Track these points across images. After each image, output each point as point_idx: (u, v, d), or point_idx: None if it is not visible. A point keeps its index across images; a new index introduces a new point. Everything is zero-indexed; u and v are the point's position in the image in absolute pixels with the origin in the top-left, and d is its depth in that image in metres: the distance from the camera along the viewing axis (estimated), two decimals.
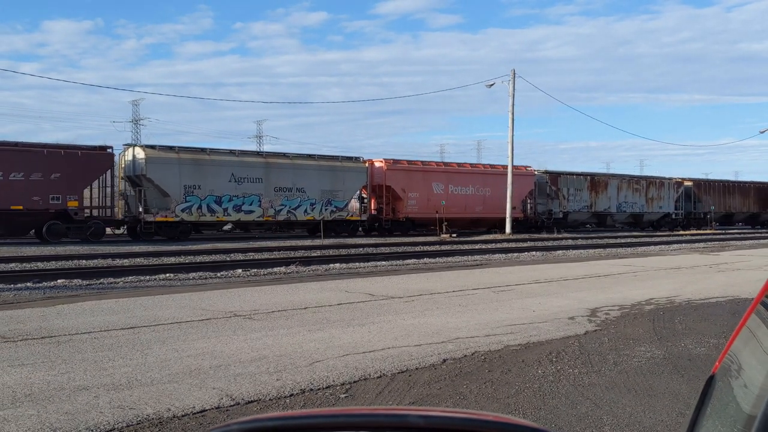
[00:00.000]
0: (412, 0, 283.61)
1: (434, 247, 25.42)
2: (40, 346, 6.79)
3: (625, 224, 48.69)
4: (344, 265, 17.63)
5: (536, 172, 43.07)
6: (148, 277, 14.50)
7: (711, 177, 61.72)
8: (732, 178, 72.60)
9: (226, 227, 35.92)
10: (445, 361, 6.34)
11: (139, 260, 18.83)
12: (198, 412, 4.72)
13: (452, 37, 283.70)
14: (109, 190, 29.13)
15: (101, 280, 13.86)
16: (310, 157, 35.37)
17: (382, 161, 36.93)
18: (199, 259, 19.36)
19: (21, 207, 26.14)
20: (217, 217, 31.31)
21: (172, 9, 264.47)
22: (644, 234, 41.25)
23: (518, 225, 38.47)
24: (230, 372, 5.78)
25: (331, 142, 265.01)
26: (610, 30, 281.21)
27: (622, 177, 48.68)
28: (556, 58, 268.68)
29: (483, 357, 6.52)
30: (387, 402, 5.07)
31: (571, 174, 45.09)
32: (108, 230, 29.67)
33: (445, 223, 34.69)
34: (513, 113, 38.53)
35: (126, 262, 18.35)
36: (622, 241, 31.88)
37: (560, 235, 36.12)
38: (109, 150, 29.43)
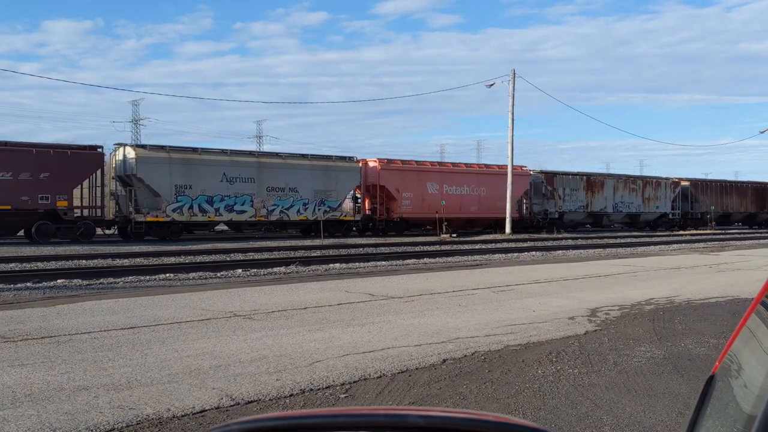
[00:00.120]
0: (412, 0, 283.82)
1: (434, 247, 25.42)
2: (40, 346, 6.79)
3: (621, 224, 48.65)
4: (344, 265, 17.63)
5: (532, 172, 42.92)
6: (148, 277, 14.49)
7: (711, 177, 61.74)
8: (732, 178, 72.62)
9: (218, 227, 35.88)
10: (445, 361, 6.34)
11: (139, 260, 18.82)
12: (198, 413, 4.72)
13: (452, 37, 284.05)
14: (99, 190, 28.95)
15: (101, 280, 13.85)
16: (303, 156, 35.21)
17: (376, 161, 36.75)
18: (199, 259, 19.36)
19: (9, 207, 26.03)
20: (209, 217, 31.19)
21: (172, 9, 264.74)
22: (644, 234, 41.21)
23: (514, 225, 38.38)
24: (230, 372, 5.78)
25: (331, 142, 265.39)
26: (610, 30, 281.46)
27: (618, 177, 48.60)
28: (556, 58, 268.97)
29: (483, 357, 6.52)
30: (387, 402, 5.07)
31: (567, 174, 45.00)
32: (98, 230, 29.47)
33: (445, 223, 34.67)
34: (513, 113, 38.53)
35: (126, 262, 18.34)
36: (622, 241, 31.88)
37: (560, 236, 36.11)
38: (100, 150, 29.19)
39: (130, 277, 14.33)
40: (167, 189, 29.66)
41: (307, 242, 27.85)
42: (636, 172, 72.41)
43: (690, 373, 5.95)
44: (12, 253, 20.64)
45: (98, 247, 24.61)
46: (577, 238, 33.46)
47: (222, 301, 10.21)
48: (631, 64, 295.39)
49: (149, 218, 29.23)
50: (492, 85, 38.71)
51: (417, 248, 24.81)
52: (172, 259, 19.18)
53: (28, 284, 12.86)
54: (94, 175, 28.77)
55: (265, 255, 21.01)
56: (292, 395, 5.20)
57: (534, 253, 22.90)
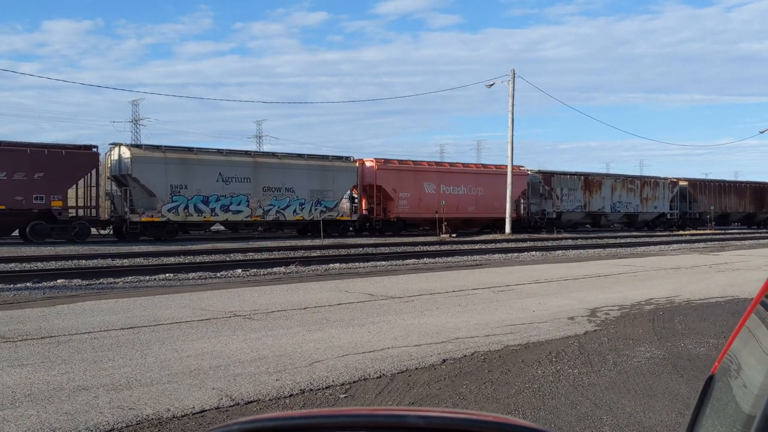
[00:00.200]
0: (412, 0, 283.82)
1: (434, 248, 25.41)
2: (39, 346, 6.79)
3: (619, 224, 48.61)
4: (344, 265, 17.63)
5: (529, 172, 42.82)
6: (147, 277, 14.49)
7: (711, 177, 61.72)
8: (732, 178, 72.62)
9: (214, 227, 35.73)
10: (444, 361, 6.34)
11: (138, 260, 18.82)
12: (198, 413, 4.72)
13: (452, 37, 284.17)
14: (94, 190, 28.85)
15: (101, 280, 13.85)
16: (299, 156, 35.11)
17: (372, 161, 36.62)
18: (198, 259, 19.36)
19: (4, 207, 25.95)
20: (204, 217, 31.08)
21: (172, 9, 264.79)
22: (644, 234, 41.19)
23: (512, 225, 38.25)
24: (230, 372, 5.78)
25: (330, 142, 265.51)
26: (610, 30, 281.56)
27: (616, 177, 48.54)
28: (556, 58, 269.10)
29: (483, 357, 6.52)
30: (387, 402, 5.07)
31: (565, 174, 44.94)
32: (93, 230, 29.32)
33: (445, 223, 34.64)
34: (513, 113, 38.52)
35: (126, 262, 18.34)
36: (622, 241, 31.88)
37: (560, 236, 36.09)
38: (95, 149, 29.06)
39: (129, 277, 14.32)
40: (163, 189, 29.54)
41: (307, 242, 27.84)
42: (636, 172, 72.62)
43: (690, 373, 5.95)
44: (12, 253, 20.64)
45: (98, 247, 24.60)
46: (576, 238, 33.45)
47: (222, 301, 10.21)
48: (631, 64, 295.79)
49: (144, 218, 29.10)
50: (492, 85, 38.71)
51: (417, 248, 24.81)
52: (172, 259, 19.18)
53: (28, 284, 12.86)
54: (89, 175, 28.63)
55: (265, 255, 21.00)
56: (291, 395, 5.20)
57: (534, 253, 22.90)
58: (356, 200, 36.81)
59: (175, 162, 30.10)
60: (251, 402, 5.00)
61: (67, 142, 29.47)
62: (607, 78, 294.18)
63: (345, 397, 5.21)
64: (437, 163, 41.33)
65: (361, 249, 23.95)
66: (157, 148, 30.60)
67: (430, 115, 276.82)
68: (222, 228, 36.95)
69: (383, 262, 19.00)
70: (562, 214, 43.54)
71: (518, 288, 12.15)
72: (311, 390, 5.34)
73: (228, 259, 19.34)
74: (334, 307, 9.64)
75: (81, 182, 28.63)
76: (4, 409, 4.67)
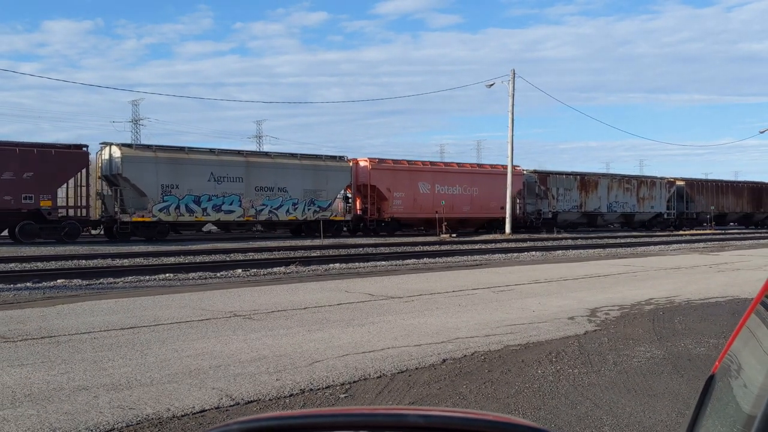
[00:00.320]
0: (411, 0, 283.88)
1: (434, 247, 25.41)
2: (39, 346, 6.79)
3: (616, 224, 48.56)
4: (344, 265, 17.63)
5: (525, 172, 42.68)
6: (147, 277, 14.49)
7: (711, 177, 61.68)
8: (732, 178, 72.62)
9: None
10: (444, 361, 6.34)
11: (139, 260, 18.82)
12: (198, 412, 4.72)
13: (452, 37, 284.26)
14: (84, 189, 28.66)
15: (101, 280, 13.85)
16: (292, 156, 34.95)
17: (366, 160, 36.46)
18: (198, 259, 19.36)
19: None
20: (196, 217, 30.93)
21: (172, 9, 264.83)
22: (643, 234, 41.18)
23: (505, 225, 38.16)
24: (230, 372, 5.78)
25: (331, 142, 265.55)
26: (610, 30, 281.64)
27: (612, 176, 48.47)
28: (556, 58, 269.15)
29: (483, 357, 6.52)
30: (387, 402, 5.07)
31: (561, 174, 44.87)
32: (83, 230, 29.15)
33: (445, 223, 34.62)
34: (513, 113, 38.52)
35: (126, 262, 18.34)
36: (622, 241, 31.88)
37: (559, 236, 36.08)
38: (85, 149, 28.87)
39: (129, 277, 14.33)
40: (153, 189, 29.38)
41: (307, 242, 27.84)
42: (636, 172, 72.37)
43: (690, 373, 5.95)
44: (12, 253, 20.64)
45: (98, 247, 24.60)
46: (576, 238, 33.45)
47: (222, 301, 10.21)
48: (631, 64, 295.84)
49: (135, 218, 28.93)
50: (492, 85, 38.72)
51: (417, 248, 24.81)
52: (172, 259, 19.18)
53: (28, 284, 12.86)
54: (79, 174, 28.44)
55: (265, 255, 21.00)
56: (291, 395, 5.20)
57: (534, 253, 22.90)
58: (350, 200, 36.66)
59: (166, 161, 29.92)
60: (251, 402, 5.00)
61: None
62: (607, 78, 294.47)
63: (345, 396, 5.21)
64: (432, 163, 41.14)
65: (361, 249, 23.95)
66: (148, 147, 30.49)
67: (430, 115, 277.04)
68: (214, 228, 36.69)
69: (383, 262, 19.00)
70: (558, 214, 43.47)
71: (518, 288, 12.15)
72: (311, 390, 5.34)
73: (228, 259, 19.34)
74: (334, 307, 9.64)
75: (71, 182, 28.45)
76: (4, 409, 4.67)
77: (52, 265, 17.34)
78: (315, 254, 21.28)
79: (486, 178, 40.29)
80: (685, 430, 1.47)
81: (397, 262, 19.25)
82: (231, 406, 4.89)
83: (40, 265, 17.27)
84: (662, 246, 27.88)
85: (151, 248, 23.49)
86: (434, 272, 15.59)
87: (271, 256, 20.26)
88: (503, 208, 38.75)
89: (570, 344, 7.16)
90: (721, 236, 37.76)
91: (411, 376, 5.80)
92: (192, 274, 15.09)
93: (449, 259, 20.31)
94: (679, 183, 51.71)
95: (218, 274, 15.24)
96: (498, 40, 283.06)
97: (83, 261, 18.47)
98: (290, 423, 1.02)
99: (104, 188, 30.21)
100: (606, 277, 14.33)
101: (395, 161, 38.36)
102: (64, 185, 28.53)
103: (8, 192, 26.10)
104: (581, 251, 24.35)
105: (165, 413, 4.66)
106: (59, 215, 27.70)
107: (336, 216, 35.33)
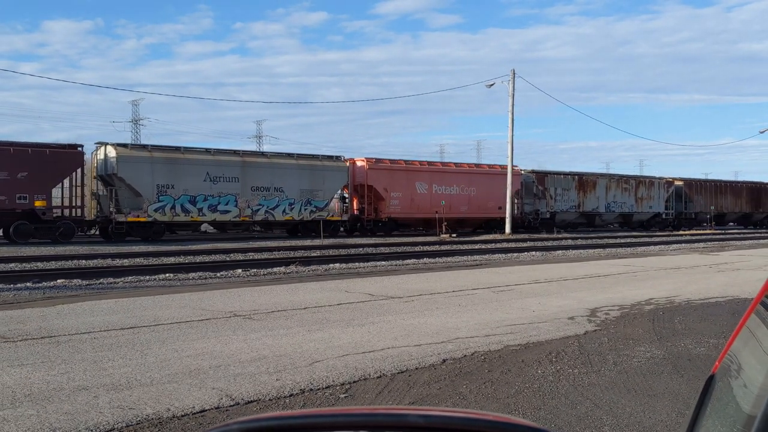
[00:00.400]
0: (412, 0, 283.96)
1: (434, 248, 25.42)
2: (39, 346, 6.79)
3: (614, 224, 48.52)
4: (344, 265, 17.63)
5: (523, 172, 42.60)
6: (147, 277, 14.50)
7: (711, 177, 61.65)
8: (732, 178, 72.60)
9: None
10: (444, 361, 6.34)
11: (139, 260, 18.82)
12: (198, 412, 4.72)
13: (452, 37, 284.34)
14: (79, 189, 28.50)
15: (101, 280, 13.85)
16: (289, 156, 34.84)
17: (363, 160, 36.33)
18: (198, 259, 19.36)
19: None
20: (192, 217, 30.80)
21: (172, 9, 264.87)
22: (643, 234, 41.17)
23: (504, 225, 38.09)
24: (230, 372, 5.78)
25: (331, 142, 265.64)
26: (610, 30, 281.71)
27: (611, 176, 48.41)
28: (556, 58, 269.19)
29: (483, 357, 6.52)
30: (387, 402, 5.07)
31: (559, 173, 44.79)
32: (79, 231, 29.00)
33: (445, 223, 34.60)
34: (513, 113, 38.52)
35: (126, 262, 18.34)
36: (622, 241, 31.89)
37: (559, 236, 36.08)
38: (80, 149, 28.73)
39: (129, 277, 14.33)
40: (149, 189, 29.27)
41: (307, 242, 27.84)
42: (636, 172, 72.40)
43: (690, 373, 5.95)
44: (12, 253, 20.64)
45: (98, 247, 24.60)
46: (576, 239, 33.45)
47: (222, 301, 10.21)
48: (631, 64, 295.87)
49: (130, 218, 28.81)
50: (492, 85, 38.71)
51: (417, 248, 24.81)
52: (172, 259, 19.18)
53: (28, 284, 12.86)
54: (74, 174, 28.30)
55: (265, 255, 21.01)
56: (291, 395, 5.20)
57: (534, 253, 22.90)
58: (347, 200, 36.55)
59: (162, 161, 29.82)
60: (251, 402, 5.00)
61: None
62: (607, 78, 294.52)
63: (345, 396, 5.21)
64: (429, 163, 40.98)
65: (361, 249, 23.95)
66: (144, 147, 30.40)
67: (431, 115, 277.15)
68: (210, 228, 36.53)
69: (383, 262, 19.01)
70: (556, 214, 43.40)
71: (518, 288, 12.15)
72: (311, 390, 5.34)
73: (228, 259, 19.34)
74: (334, 307, 9.64)
75: (66, 182, 28.30)
76: (4, 409, 4.67)
77: (52, 265, 17.34)
78: (315, 254, 21.29)
79: (484, 178, 40.25)
80: (685, 430, 1.47)
81: (397, 262, 19.25)
82: (231, 406, 4.89)
83: (40, 265, 17.27)
84: (662, 246, 27.88)
85: (150, 248, 23.49)
86: (434, 272, 15.59)
87: (271, 256, 20.26)
88: (501, 208, 38.69)
89: (570, 344, 7.16)
90: (721, 236, 37.76)
91: (411, 376, 5.80)
92: (192, 274, 15.10)
93: (449, 259, 20.31)
94: (677, 183, 51.69)
95: (218, 274, 15.24)
96: (498, 40, 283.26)
97: (83, 261, 18.47)
98: (290, 423, 1.02)
99: (99, 188, 30.11)
100: (606, 277, 14.33)
101: (392, 161, 38.26)
102: (59, 185, 28.41)
103: (2, 192, 26.01)
104: (581, 251, 24.35)
105: (165, 413, 4.66)
106: (54, 215, 27.61)
107: (333, 216, 35.24)
